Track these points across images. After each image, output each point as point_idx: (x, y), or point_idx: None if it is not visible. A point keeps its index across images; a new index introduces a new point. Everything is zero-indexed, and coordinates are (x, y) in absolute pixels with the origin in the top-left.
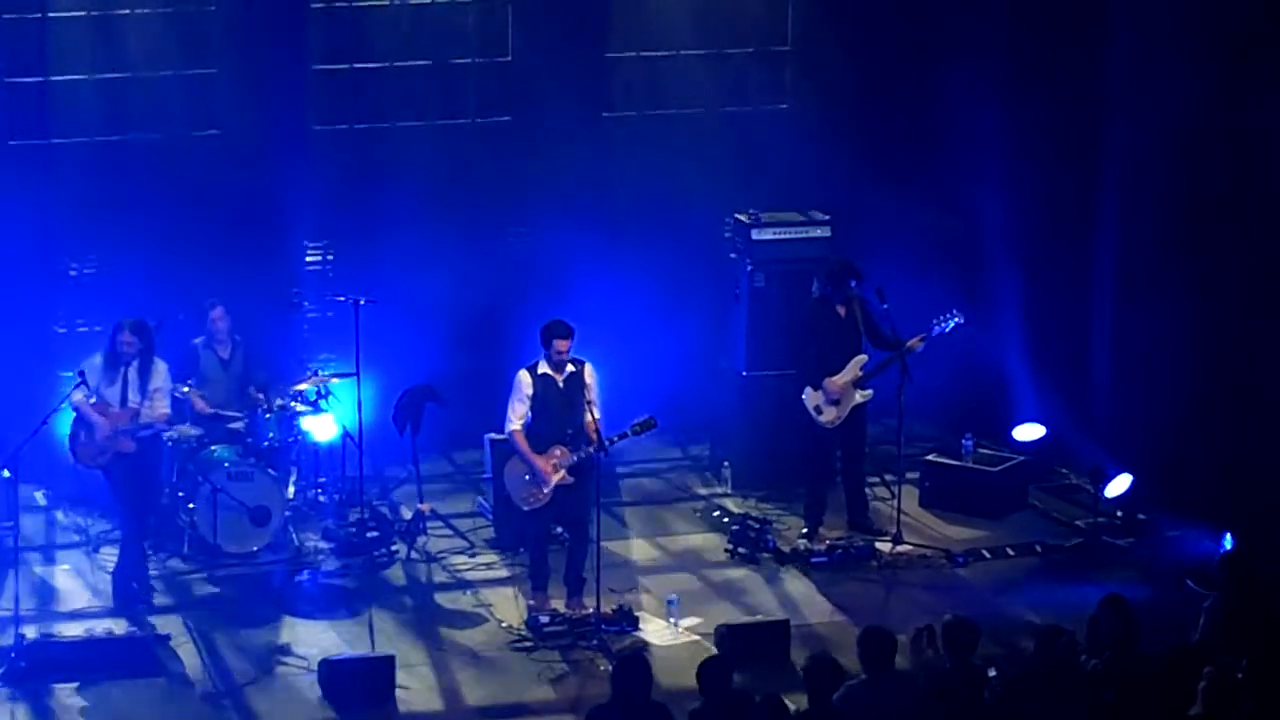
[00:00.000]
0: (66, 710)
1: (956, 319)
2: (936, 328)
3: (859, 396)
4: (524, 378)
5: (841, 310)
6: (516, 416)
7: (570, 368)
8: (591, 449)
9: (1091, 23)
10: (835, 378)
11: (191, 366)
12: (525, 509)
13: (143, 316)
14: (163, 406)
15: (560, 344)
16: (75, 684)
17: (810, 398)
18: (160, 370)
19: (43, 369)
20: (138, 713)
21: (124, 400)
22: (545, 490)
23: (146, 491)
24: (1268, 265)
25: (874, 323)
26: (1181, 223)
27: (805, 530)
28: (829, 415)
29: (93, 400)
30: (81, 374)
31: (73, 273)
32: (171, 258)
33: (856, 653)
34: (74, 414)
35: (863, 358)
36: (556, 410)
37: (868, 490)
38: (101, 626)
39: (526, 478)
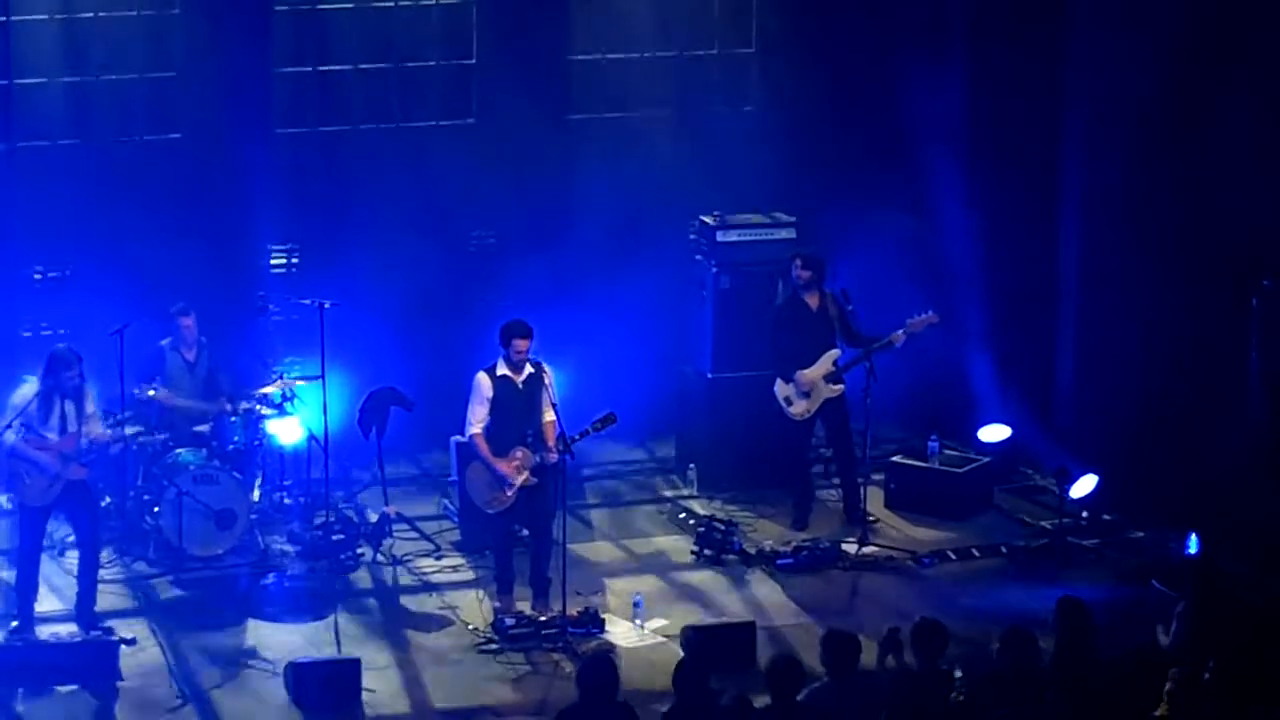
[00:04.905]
0: (31, 715)
1: (931, 319)
2: (913, 326)
3: (829, 390)
4: (483, 380)
5: (813, 303)
6: (476, 420)
7: (529, 369)
8: (553, 450)
9: (1052, 22)
10: (807, 371)
11: (158, 368)
12: (490, 512)
13: (71, 345)
14: (98, 429)
15: (519, 343)
16: (40, 688)
17: (781, 389)
18: (92, 394)
19: (7, 373)
20: (103, 717)
21: (63, 430)
22: (509, 492)
23: (95, 513)
24: (1231, 266)
25: (847, 321)
26: (1145, 224)
27: (795, 520)
28: (799, 408)
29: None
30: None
31: (38, 276)
32: (136, 261)
33: (819, 655)
34: (9, 457)
35: (835, 352)
36: (516, 412)
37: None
38: (66, 630)
39: (489, 481)
